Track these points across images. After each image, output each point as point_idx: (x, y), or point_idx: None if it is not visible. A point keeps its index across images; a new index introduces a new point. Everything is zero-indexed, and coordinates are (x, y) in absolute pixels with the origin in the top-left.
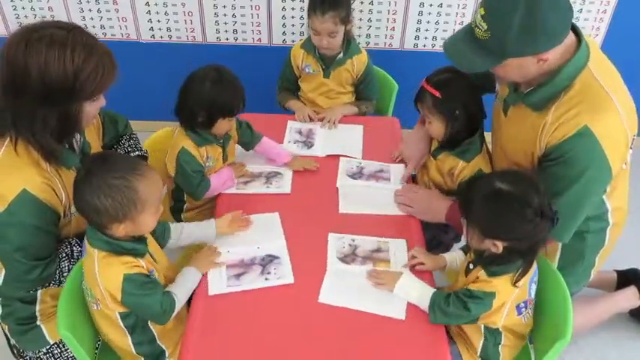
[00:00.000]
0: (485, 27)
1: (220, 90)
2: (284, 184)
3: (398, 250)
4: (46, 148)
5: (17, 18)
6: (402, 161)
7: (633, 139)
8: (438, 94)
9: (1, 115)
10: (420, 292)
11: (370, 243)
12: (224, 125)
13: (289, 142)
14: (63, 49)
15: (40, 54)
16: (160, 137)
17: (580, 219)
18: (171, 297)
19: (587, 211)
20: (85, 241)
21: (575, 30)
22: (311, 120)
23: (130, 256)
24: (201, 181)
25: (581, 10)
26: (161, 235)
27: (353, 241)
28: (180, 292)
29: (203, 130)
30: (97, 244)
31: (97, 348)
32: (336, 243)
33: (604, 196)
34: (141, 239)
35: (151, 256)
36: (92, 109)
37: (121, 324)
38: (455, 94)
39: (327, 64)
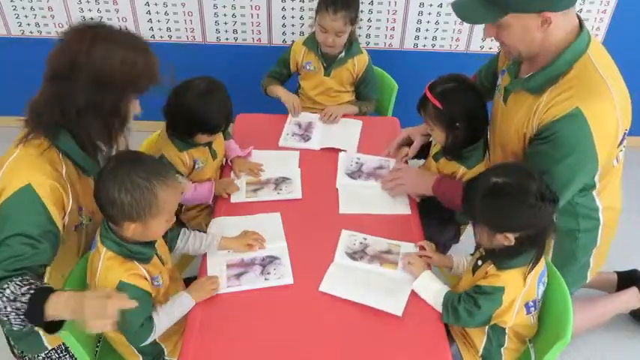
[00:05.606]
0: None
1: (204, 108)
2: (294, 189)
3: (408, 254)
4: (91, 137)
5: (17, 18)
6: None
7: (625, 132)
8: (439, 105)
9: (49, 109)
10: (437, 290)
11: (381, 244)
12: (204, 138)
13: (287, 134)
14: (127, 51)
15: (108, 46)
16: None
17: (562, 201)
18: (151, 326)
19: (569, 196)
20: (97, 237)
21: (578, 18)
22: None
23: (135, 262)
24: None
25: (581, 10)
26: (173, 239)
27: (365, 239)
28: (164, 321)
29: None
30: (107, 243)
31: (96, 350)
32: (348, 239)
33: (594, 194)
34: (149, 243)
35: (160, 258)
36: (135, 108)
37: None
38: (457, 106)
39: (329, 62)
